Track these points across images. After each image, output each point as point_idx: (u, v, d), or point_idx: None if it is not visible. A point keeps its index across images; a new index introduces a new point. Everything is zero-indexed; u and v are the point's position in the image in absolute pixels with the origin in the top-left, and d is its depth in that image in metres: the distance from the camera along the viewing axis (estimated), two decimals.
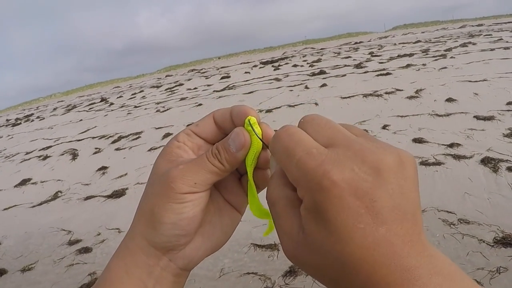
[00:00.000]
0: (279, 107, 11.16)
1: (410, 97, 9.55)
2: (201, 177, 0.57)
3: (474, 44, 17.93)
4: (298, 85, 14.28)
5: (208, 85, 19.97)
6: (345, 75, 14.73)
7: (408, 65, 14.36)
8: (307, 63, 21.15)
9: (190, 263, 0.61)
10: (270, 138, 0.56)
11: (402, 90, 10.46)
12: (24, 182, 9.05)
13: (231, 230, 0.66)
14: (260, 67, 24.14)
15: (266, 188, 0.56)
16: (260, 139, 0.59)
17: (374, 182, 0.42)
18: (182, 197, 0.55)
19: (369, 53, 21.14)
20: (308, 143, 0.47)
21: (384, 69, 14.25)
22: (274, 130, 0.58)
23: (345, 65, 17.49)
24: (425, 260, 0.40)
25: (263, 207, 0.62)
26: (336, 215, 0.41)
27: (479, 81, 10.02)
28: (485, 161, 5.43)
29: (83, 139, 12.70)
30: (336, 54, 24.20)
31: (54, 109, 27.98)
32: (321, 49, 33.93)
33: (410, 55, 17.50)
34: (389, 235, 0.40)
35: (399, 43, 25.17)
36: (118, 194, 6.91)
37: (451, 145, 6.16)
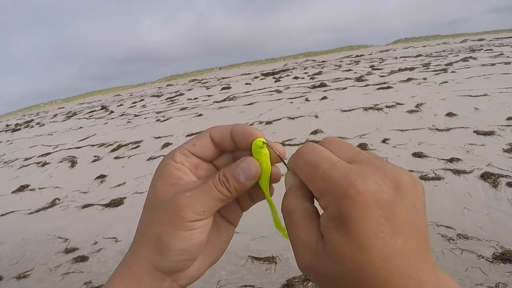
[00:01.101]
0: (279, 119, 11.17)
1: (411, 111, 9.56)
2: (209, 205, 0.57)
3: (475, 58, 18.01)
4: (299, 97, 14.32)
5: (209, 96, 20.02)
6: (345, 88, 14.78)
7: (408, 79, 14.40)
8: (308, 76, 21.22)
9: (191, 281, 0.62)
10: (282, 152, 0.60)
11: (402, 104, 10.48)
12: (22, 188, 9.03)
13: (227, 244, 0.67)
14: (261, 79, 24.22)
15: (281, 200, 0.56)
16: (280, 158, 0.60)
17: (395, 196, 0.45)
18: (191, 225, 0.55)
19: (370, 67, 21.23)
20: (332, 157, 0.50)
21: (384, 83, 14.30)
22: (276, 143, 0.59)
23: (346, 78, 17.55)
24: (434, 277, 0.41)
25: (282, 225, 0.62)
26: (359, 223, 0.43)
27: (479, 96, 10.04)
28: (485, 176, 5.42)
29: (82, 146, 12.70)
30: (337, 67, 24.30)
31: (54, 115, 28.03)
32: (322, 61, 34.07)
33: (411, 69, 17.57)
34: (405, 248, 0.42)
35: (400, 57, 25.28)
36: (116, 203, 6.89)
37: (451, 160, 6.15)
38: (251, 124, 11.06)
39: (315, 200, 0.53)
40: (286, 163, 0.59)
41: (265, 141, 0.59)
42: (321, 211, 0.50)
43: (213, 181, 0.57)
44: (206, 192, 0.57)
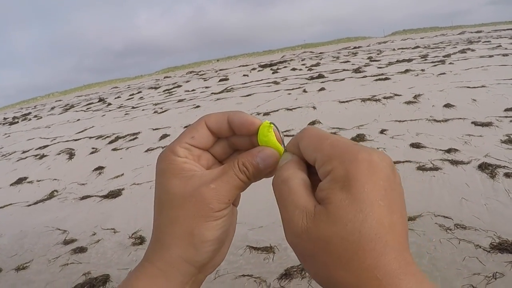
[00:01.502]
0: (277, 110, 11.17)
1: (408, 102, 9.57)
2: (233, 193, 0.59)
3: (473, 50, 17.98)
4: (297, 88, 14.30)
5: (206, 87, 19.98)
6: (343, 79, 14.76)
7: (406, 71, 14.38)
8: (306, 67, 21.18)
9: (216, 267, 0.65)
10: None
11: (400, 95, 10.48)
12: (20, 181, 9.03)
13: (235, 225, 0.69)
14: (259, 70, 24.17)
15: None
16: (281, 138, 0.62)
17: (391, 174, 0.48)
18: (219, 214, 0.57)
19: (368, 58, 21.18)
20: (336, 135, 0.53)
21: (382, 74, 14.29)
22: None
23: (344, 70, 17.52)
24: (412, 258, 0.45)
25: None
26: (364, 185, 0.45)
27: (477, 87, 10.05)
28: (483, 167, 5.44)
29: (80, 138, 12.68)
30: (335, 58, 24.24)
31: (52, 108, 27.95)
32: (320, 53, 33.97)
33: (409, 60, 17.54)
34: (397, 224, 0.45)
35: (398, 49, 25.21)
36: (114, 194, 6.90)
37: (448, 151, 6.17)
38: None
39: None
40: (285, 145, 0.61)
41: (273, 124, 0.61)
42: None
43: (234, 170, 0.59)
44: (229, 182, 0.58)
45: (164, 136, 10.49)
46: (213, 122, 0.62)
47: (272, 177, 0.64)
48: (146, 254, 0.60)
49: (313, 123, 9.12)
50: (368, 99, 10.59)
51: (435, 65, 14.84)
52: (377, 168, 0.46)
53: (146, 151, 9.48)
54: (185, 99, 17.10)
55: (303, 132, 0.56)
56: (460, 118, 7.74)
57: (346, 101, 10.79)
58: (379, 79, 13.39)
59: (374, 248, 0.42)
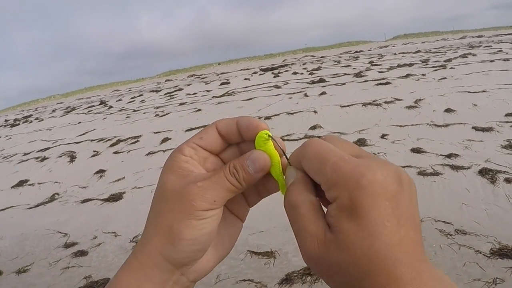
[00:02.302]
0: (278, 114, 11.17)
1: (409, 107, 9.57)
2: (220, 195, 0.58)
3: (474, 55, 17.99)
4: (298, 92, 14.31)
5: (208, 91, 19.98)
6: (344, 83, 14.76)
7: (407, 75, 14.38)
8: (307, 71, 21.19)
9: (200, 275, 0.63)
10: (282, 145, 0.62)
11: (401, 99, 10.48)
12: (21, 183, 9.04)
13: (235, 239, 0.68)
14: (260, 74, 24.18)
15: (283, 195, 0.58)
16: (281, 148, 0.61)
17: (399, 188, 0.47)
18: (202, 214, 0.56)
19: (369, 62, 21.19)
20: (339, 151, 0.52)
21: (383, 79, 14.29)
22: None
23: (345, 74, 17.52)
24: (429, 266, 0.45)
25: None
26: (370, 211, 0.45)
27: (478, 92, 10.05)
28: (483, 172, 5.44)
29: (81, 141, 12.69)
30: (336, 63, 24.25)
31: (53, 110, 27.97)
32: (321, 57, 34.00)
33: (410, 65, 17.55)
34: (407, 237, 0.45)
35: (399, 53, 25.23)
36: (115, 197, 6.90)
37: (449, 156, 6.17)
38: None
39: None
40: (288, 158, 0.60)
41: (270, 135, 0.60)
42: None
43: (224, 172, 0.59)
44: (217, 182, 0.58)
45: (166, 140, 10.49)
46: (223, 126, 0.63)
47: (272, 194, 0.66)
48: (134, 248, 0.61)
49: (314, 127, 9.12)
50: (369, 103, 10.59)
51: (436, 70, 14.84)
52: (382, 188, 0.46)
53: (147, 154, 9.48)
54: (186, 102, 17.11)
55: (305, 150, 0.55)
56: (461, 123, 7.74)
57: (347, 106, 10.80)
58: (380, 84, 13.39)
59: (384, 267, 0.44)
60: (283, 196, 0.62)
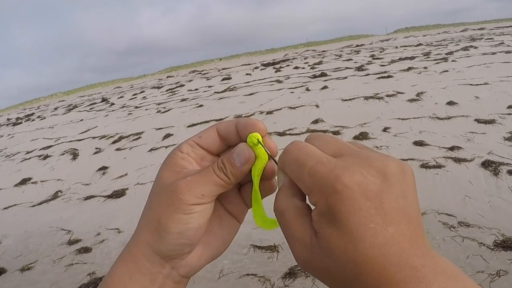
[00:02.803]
0: (280, 109, 11.17)
1: (411, 100, 9.55)
2: (208, 189, 0.58)
3: (475, 47, 17.94)
4: (299, 87, 14.29)
5: (209, 87, 19.97)
6: (346, 77, 14.74)
7: (409, 68, 14.35)
8: (309, 65, 21.16)
9: (191, 271, 0.62)
10: (273, 149, 0.62)
11: (403, 93, 10.47)
12: (24, 181, 9.06)
13: (230, 239, 0.68)
14: (262, 69, 24.16)
15: (274, 199, 0.58)
16: (267, 152, 0.61)
17: (382, 185, 0.45)
18: (189, 208, 0.56)
19: (371, 56, 21.14)
20: (317, 154, 0.51)
21: (385, 72, 14.26)
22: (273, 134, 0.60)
23: (347, 68, 17.50)
24: (430, 260, 0.42)
25: (267, 217, 0.66)
26: (349, 216, 0.44)
27: (480, 84, 10.03)
28: (486, 164, 5.43)
29: (83, 139, 12.71)
30: (337, 57, 24.20)
31: (55, 108, 28.01)
32: (323, 51, 33.95)
33: (412, 58, 17.51)
34: (397, 234, 0.43)
35: (401, 46, 25.17)
36: (118, 194, 6.91)
37: (451, 148, 6.16)
38: (251, 115, 11.06)
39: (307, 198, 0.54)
40: (277, 161, 0.60)
41: (260, 139, 0.60)
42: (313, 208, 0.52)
43: (212, 166, 0.60)
44: (205, 176, 0.58)
45: (168, 136, 10.50)
46: (223, 127, 0.63)
47: (271, 194, 0.66)
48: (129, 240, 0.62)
49: (316, 121, 9.10)
50: (371, 97, 10.58)
51: (437, 63, 14.81)
52: (360, 190, 0.45)
53: (149, 150, 9.49)
54: (188, 98, 17.11)
55: (285, 156, 0.55)
56: (463, 116, 7.73)
57: (349, 99, 10.79)
58: (382, 77, 13.37)
59: (373, 269, 0.42)
60: (252, 198, 0.65)
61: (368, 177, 0.46)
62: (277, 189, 0.58)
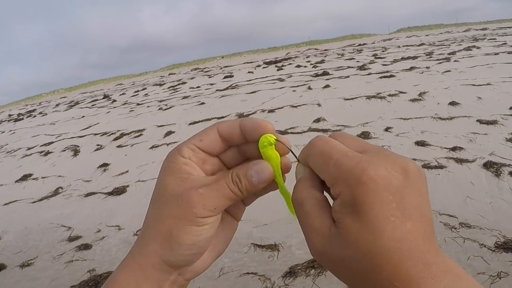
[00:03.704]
0: (282, 107, 11.16)
1: (413, 100, 9.54)
2: (221, 203, 0.58)
3: (478, 48, 17.94)
4: (301, 85, 14.29)
5: (211, 84, 19.99)
6: (348, 76, 14.74)
7: (411, 68, 14.35)
8: (311, 64, 21.18)
9: (196, 274, 0.63)
10: (286, 143, 0.62)
11: (405, 92, 10.45)
12: (25, 177, 9.06)
13: (230, 238, 0.69)
14: (264, 67, 24.20)
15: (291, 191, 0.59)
16: (289, 148, 0.62)
17: (404, 181, 0.48)
18: (202, 220, 0.57)
19: (373, 55, 21.16)
20: (343, 148, 0.53)
21: (387, 71, 14.26)
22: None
23: (349, 67, 17.50)
24: (439, 259, 0.44)
25: None
26: (372, 207, 0.45)
27: (482, 85, 10.01)
28: (488, 165, 5.42)
29: (85, 135, 12.73)
30: (339, 56, 24.23)
31: (57, 105, 28.05)
32: (325, 50, 33.99)
33: (414, 57, 17.52)
34: (413, 230, 0.45)
35: (403, 46, 25.19)
36: (119, 191, 6.91)
37: (453, 149, 6.15)
38: (253, 113, 11.06)
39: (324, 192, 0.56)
40: (297, 156, 0.61)
41: (276, 138, 0.60)
42: (331, 202, 0.53)
43: (226, 180, 0.59)
44: (219, 190, 0.58)
45: (169, 133, 10.50)
46: (225, 128, 0.62)
47: (269, 193, 0.66)
48: (132, 248, 0.61)
49: (318, 120, 9.10)
50: (373, 96, 10.57)
51: (440, 63, 14.81)
52: (384, 184, 0.46)
53: (151, 148, 9.49)
54: (189, 95, 17.11)
55: (310, 149, 0.56)
56: (465, 116, 7.71)
57: (351, 99, 10.78)
58: (384, 77, 13.36)
59: (389, 261, 0.44)
60: (283, 196, 0.65)
61: (392, 172, 0.48)
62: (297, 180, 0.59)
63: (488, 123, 7.11)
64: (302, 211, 0.54)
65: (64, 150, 11.07)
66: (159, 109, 15.00)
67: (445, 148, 6.26)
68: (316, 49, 39.44)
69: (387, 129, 7.71)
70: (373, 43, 35.43)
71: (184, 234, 0.56)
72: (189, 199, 0.56)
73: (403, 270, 0.43)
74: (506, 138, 6.31)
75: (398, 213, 0.45)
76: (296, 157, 0.61)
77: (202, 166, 0.63)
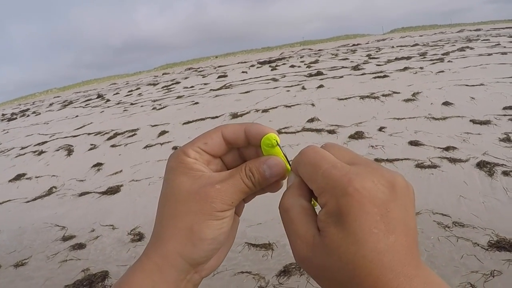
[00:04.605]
0: (276, 107, 11.15)
1: (407, 100, 9.56)
2: (237, 197, 0.61)
3: (471, 48, 18.00)
4: (295, 85, 14.30)
5: (205, 84, 19.95)
6: (342, 76, 14.76)
7: (405, 68, 14.38)
8: (305, 64, 21.19)
9: (210, 272, 0.66)
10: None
11: (399, 92, 10.48)
12: (18, 177, 9.02)
13: (235, 234, 0.70)
14: (258, 67, 24.19)
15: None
16: (284, 154, 0.64)
17: (390, 195, 0.48)
18: (221, 214, 0.59)
19: (367, 55, 21.19)
20: (332, 159, 0.54)
21: (381, 72, 14.29)
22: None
23: (343, 67, 17.52)
24: (421, 272, 0.45)
25: None
26: (356, 218, 0.46)
27: (476, 85, 10.05)
28: (481, 165, 5.44)
29: (78, 135, 12.68)
30: (333, 56, 24.25)
31: (50, 104, 27.94)
32: (319, 50, 34.00)
33: (408, 58, 17.56)
34: (396, 243, 0.46)
35: (397, 46, 25.25)
36: (113, 190, 6.90)
37: (447, 149, 6.17)
38: (247, 113, 11.05)
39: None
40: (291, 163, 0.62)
41: (279, 141, 0.63)
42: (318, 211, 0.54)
43: (240, 175, 0.62)
44: (234, 185, 0.61)
45: (163, 133, 10.48)
46: (230, 133, 0.65)
47: (276, 192, 0.68)
48: (145, 249, 0.61)
49: (311, 120, 9.10)
50: (367, 96, 10.59)
51: (433, 63, 14.84)
52: (370, 196, 0.47)
53: (145, 147, 9.47)
54: (183, 95, 17.08)
55: (300, 158, 0.58)
56: (459, 116, 7.74)
57: (345, 98, 10.79)
58: (378, 77, 13.39)
59: (370, 273, 0.45)
60: None
61: (378, 186, 0.48)
62: (285, 189, 0.61)
63: (481, 123, 7.14)
64: (288, 218, 0.55)
65: (58, 150, 11.02)
66: (153, 108, 14.97)
67: (438, 148, 6.28)
68: (310, 49, 39.45)
69: (380, 129, 7.73)
70: (367, 43, 35.48)
71: (205, 229, 0.58)
72: (207, 194, 0.59)
73: (384, 282, 0.44)
74: (499, 138, 6.34)
75: (382, 225, 0.46)
76: (289, 164, 0.63)
77: (207, 166, 0.65)
